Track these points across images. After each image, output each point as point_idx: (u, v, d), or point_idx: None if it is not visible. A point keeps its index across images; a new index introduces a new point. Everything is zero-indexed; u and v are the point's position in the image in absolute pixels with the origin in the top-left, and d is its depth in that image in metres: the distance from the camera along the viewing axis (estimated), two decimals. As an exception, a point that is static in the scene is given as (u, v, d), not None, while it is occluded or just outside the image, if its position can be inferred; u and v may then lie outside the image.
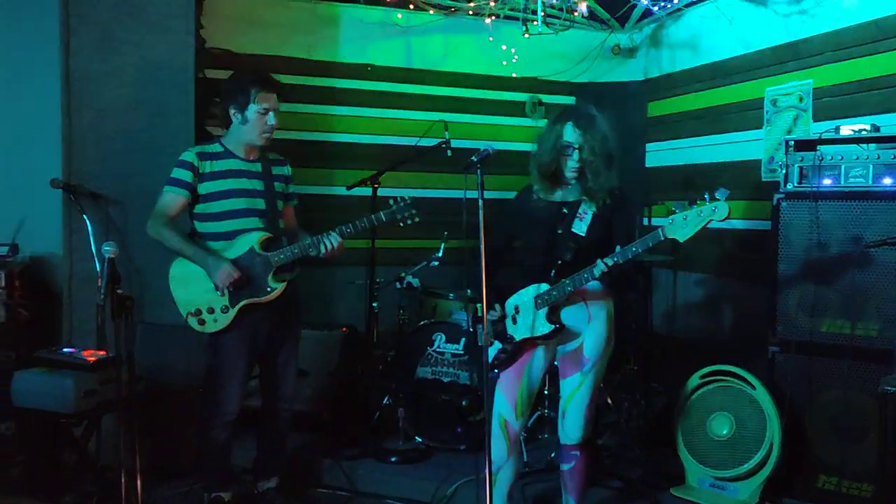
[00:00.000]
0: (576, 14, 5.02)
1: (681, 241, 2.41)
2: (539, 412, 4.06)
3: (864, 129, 3.24)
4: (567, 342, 2.78)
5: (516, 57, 5.52)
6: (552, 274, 2.68)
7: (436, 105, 5.33)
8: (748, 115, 4.59)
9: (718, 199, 2.33)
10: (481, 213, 2.47)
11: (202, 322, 2.96)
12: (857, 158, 3.19)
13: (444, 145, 4.40)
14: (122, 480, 2.61)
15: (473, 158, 2.54)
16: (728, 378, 3.37)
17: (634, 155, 5.48)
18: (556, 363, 2.92)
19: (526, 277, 2.78)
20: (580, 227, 2.72)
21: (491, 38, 5.42)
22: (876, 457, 2.80)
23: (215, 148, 3.09)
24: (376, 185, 4.10)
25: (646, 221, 5.01)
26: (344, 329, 4.23)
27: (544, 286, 2.69)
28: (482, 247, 2.45)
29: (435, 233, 4.39)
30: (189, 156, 3.02)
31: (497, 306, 2.81)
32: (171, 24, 3.65)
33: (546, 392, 4.02)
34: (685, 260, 4.88)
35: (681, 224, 2.39)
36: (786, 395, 3.24)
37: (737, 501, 3.25)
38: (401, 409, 3.85)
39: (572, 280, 2.61)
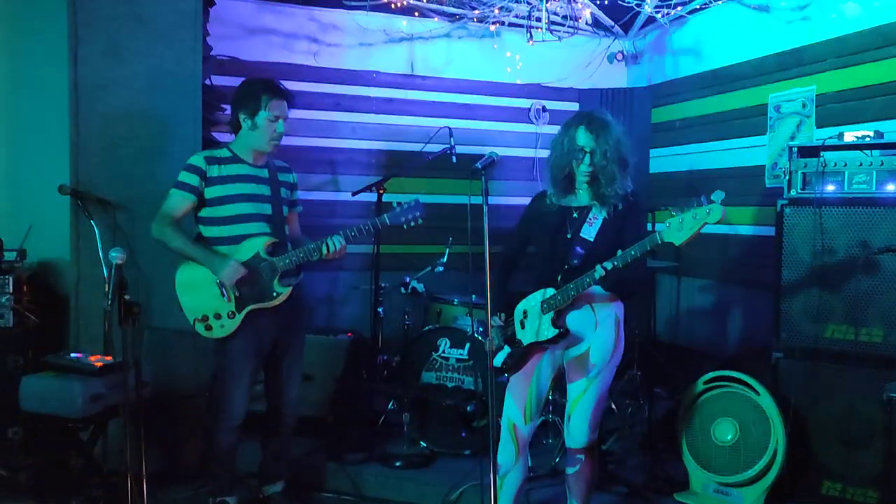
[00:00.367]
0: (580, 21, 5.04)
1: (677, 244, 2.41)
2: (543, 417, 4.08)
3: (868, 136, 3.25)
4: (575, 347, 2.78)
5: (520, 64, 5.55)
6: (559, 279, 2.69)
7: (440, 112, 5.36)
8: (752, 122, 4.61)
9: (713, 202, 2.33)
10: (486, 218, 2.48)
11: (209, 328, 2.98)
12: (861, 165, 3.20)
13: (448, 151, 4.43)
14: (129, 485, 2.62)
15: (478, 165, 2.56)
16: (732, 384, 3.37)
17: (638, 161, 5.49)
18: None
19: (536, 282, 2.79)
20: (589, 232, 2.72)
21: (495, 46, 5.46)
22: (880, 463, 2.81)
23: (223, 153, 3.11)
24: (381, 191, 4.13)
25: (650, 227, 5.02)
26: (349, 334, 4.24)
27: (550, 291, 2.70)
28: (486, 253, 2.46)
29: (440, 238, 4.41)
30: (197, 160, 3.04)
31: (501, 315, 2.82)
32: (178, 33, 3.68)
33: (550, 397, 4.03)
34: (689, 266, 4.89)
35: (676, 227, 2.40)
36: (790, 400, 3.24)
37: (741, 507, 3.26)
38: (405, 413, 3.86)
39: (575, 284, 2.62)
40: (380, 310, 4.30)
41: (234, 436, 3.11)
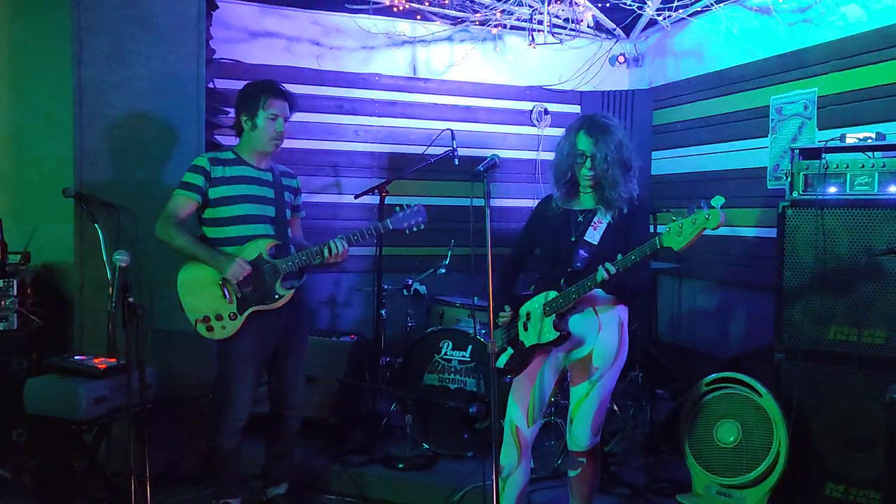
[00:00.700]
0: (581, 24, 5.05)
1: (676, 249, 2.41)
2: (545, 419, 4.08)
3: (870, 137, 3.25)
4: (578, 350, 2.79)
5: (522, 67, 5.56)
6: (561, 282, 2.69)
7: (442, 114, 5.37)
8: (753, 124, 4.61)
9: (713, 207, 2.34)
10: (488, 221, 2.49)
11: (210, 329, 2.99)
12: (863, 166, 3.20)
13: (450, 154, 4.44)
14: (132, 487, 2.64)
15: (480, 167, 2.57)
16: (734, 385, 3.37)
17: (640, 163, 5.49)
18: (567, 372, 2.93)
19: (540, 284, 2.80)
20: (593, 236, 2.72)
21: (497, 49, 5.47)
22: (883, 464, 2.81)
23: (227, 155, 3.14)
24: (384, 194, 4.14)
25: (652, 229, 5.03)
26: (352, 336, 4.25)
27: (552, 294, 2.70)
28: (489, 255, 2.47)
29: (442, 241, 4.42)
30: (202, 161, 3.07)
31: (507, 307, 2.83)
32: (181, 36, 3.70)
33: (552, 399, 4.04)
34: (690, 267, 4.89)
35: (676, 232, 2.40)
36: (792, 402, 3.24)
37: (744, 509, 3.26)
38: (408, 415, 3.87)
39: (577, 288, 2.62)
40: (382, 312, 4.31)
41: (238, 438, 3.11)
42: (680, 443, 3.45)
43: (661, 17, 4.90)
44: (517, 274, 2.99)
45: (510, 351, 2.82)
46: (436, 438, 3.86)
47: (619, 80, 5.74)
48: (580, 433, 2.79)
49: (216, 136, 4.36)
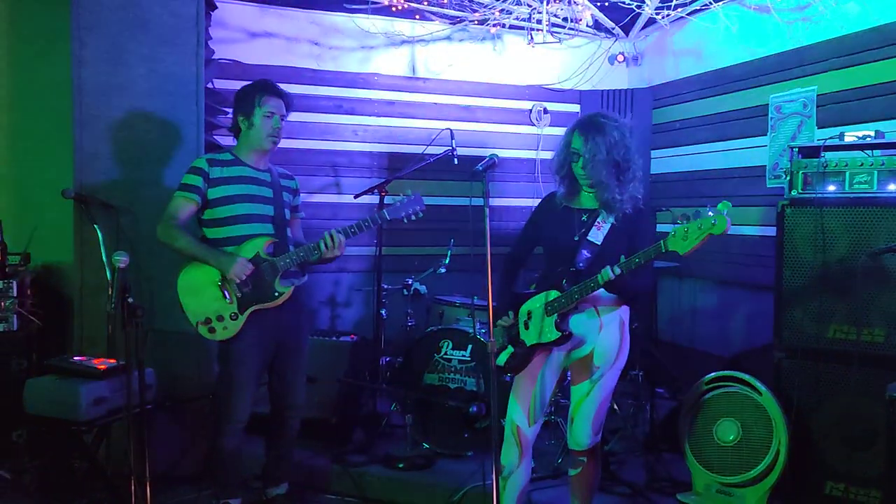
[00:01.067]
0: (580, 23, 5.05)
1: (681, 253, 2.41)
2: (546, 418, 4.08)
3: (869, 136, 3.25)
4: (579, 349, 2.79)
5: (521, 66, 5.56)
6: (563, 281, 2.69)
7: (441, 114, 5.37)
8: (752, 122, 4.61)
9: (720, 213, 2.34)
10: (487, 220, 2.49)
11: (212, 330, 2.99)
12: (862, 165, 3.20)
13: (450, 154, 4.44)
14: (132, 487, 2.64)
15: (479, 167, 2.57)
16: (734, 384, 3.37)
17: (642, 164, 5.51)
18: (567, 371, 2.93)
19: (542, 283, 2.80)
20: (597, 236, 2.70)
21: (496, 48, 5.47)
22: (883, 463, 2.81)
23: (226, 156, 3.15)
24: (384, 193, 4.14)
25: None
26: (352, 336, 4.25)
27: (554, 293, 2.70)
28: (488, 254, 2.47)
29: (442, 240, 4.43)
30: (200, 162, 3.09)
31: (510, 313, 2.83)
32: (180, 36, 3.70)
33: (553, 398, 4.04)
34: (690, 266, 4.89)
35: (681, 236, 2.40)
36: (792, 401, 3.24)
37: (744, 507, 3.26)
38: (408, 415, 3.87)
39: (580, 288, 2.62)
40: (382, 311, 4.31)
41: (239, 438, 3.11)
42: (680, 441, 3.46)
43: (659, 16, 4.90)
44: (518, 271, 2.99)
45: (510, 349, 2.82)
46: (436, 438, 3.86)
47: (619, 79, 5.74)
48: (581, 432, 2.79)
49: (215, 137, 4.36)
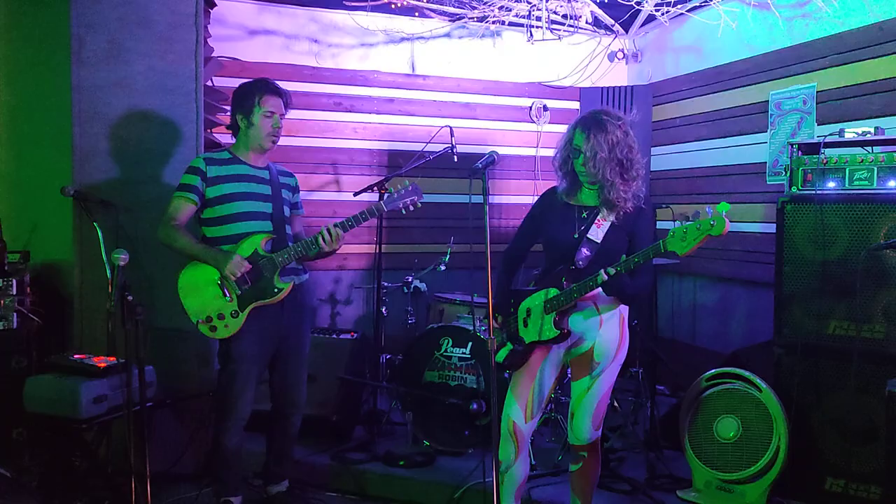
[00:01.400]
0: (580, 20, 5.05)
1: (680, 254, 2.41)
2: (546, 415, 4.08)
3: (869, 132, 3.25)
4: (579, 346, 2.79)
5: (521, 63, 5.56)
6: (563, 280, 2.69)
7: (441, 111, 5.37)
8: (752, 119, 4.61)
9: (719, 214, 2.33)
10: (486, 217, 2.49)
11: (213, 329, 2.99)
12: (862, 161, 3.20)
13: (449, 151, 4.44)
14: (133, 485, 2.64)
15: (478, 164, 2.56)
16: (734, 380, 3.38)
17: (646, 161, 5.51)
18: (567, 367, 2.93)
19: (542, 281, 2.79)
20: (597, 234, 2.69)
21: (496, 45, 5.47)
22: (883, 458, 2.81)
23: (223, 155, 3.15)
24: (383, 191, 4.13)
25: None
26: (352, 334, 4.26)
27: (553, 291, 2.70)
28: (487, 251, 2.47)
29: (442, 238, 4.43)
30: (198, 162, 3.09)
31: (499, 317, 2.83)
32: (179, 34, 3.69)
33: (552, 395, 4.04)
34: (690, 263, 4.90)
35: (680, 237, 2.40)
36: (792, 397, 3.25)
37: (744, 504, 3.26)
38: (408, 413, 3.87)
39: (579, 287, 2.62)
40: (383, 309, 4.31)
41: (240, 436, 3.12)
42: (680, 438, 3.46)
43: (659, 13, 4.89)
44: (516, 268, 2.98)
45: (509, 346, 2.82)
46: (436, 435, 3.86)
47: (618, 75, 5.74)
48: (581, 427, 2.80)
49: (214, 134, 4.36)
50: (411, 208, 3.14)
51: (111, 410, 3.20)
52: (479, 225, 2.52)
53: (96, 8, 3.59)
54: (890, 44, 3.71)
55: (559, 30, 5.18)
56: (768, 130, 4.47)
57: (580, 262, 2.69)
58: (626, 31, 5.56)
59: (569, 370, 2.93)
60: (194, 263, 3.02)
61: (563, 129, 2.83)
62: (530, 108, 5.64)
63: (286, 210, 3.21)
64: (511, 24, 5.23)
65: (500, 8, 4.98)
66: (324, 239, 3.02)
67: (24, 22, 3.95)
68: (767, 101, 4.47)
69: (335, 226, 3.04)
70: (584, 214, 2.76)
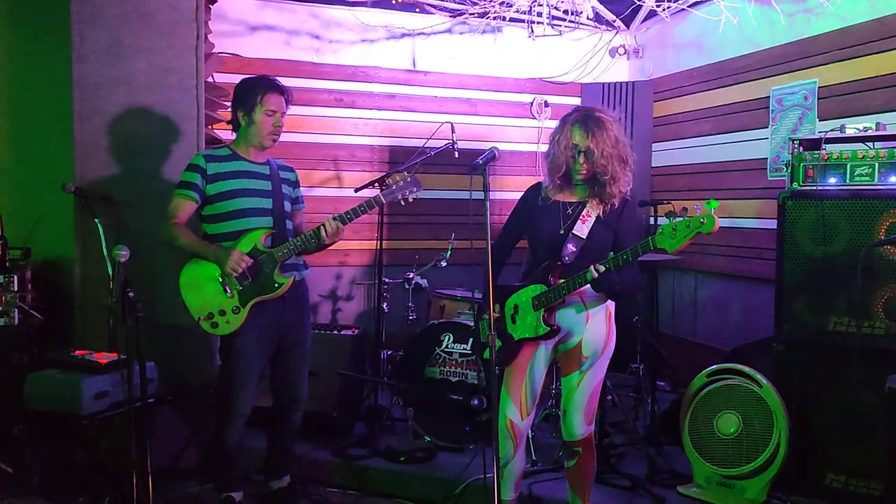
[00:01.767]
0: (581, 16, 5.04)
1: (669, 251, 2.41)
2: (546, 410, 4.09)
3: (870, 128, 3.25)
4: (567, 341, 2.80)
5: (522, 59, 5.55)
6: (550, 276, 2.70)
7: (442, 107, 5.37)
8: (753, 115, 4.61)
9: (709, 212, 2.34)
10: (487, 213, 2.49)
11: (215, 325, 2.99)
12: (863, 157, 3.20)
13: (450, 147, 4.44)
14: (134, 481, 2.64)
15: (479, 160, 2.56)
16: (734, 376, 3.38)
17: (640, 155, 5.50)
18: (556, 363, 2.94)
19: (528, 276, 2.80)
20: (582, 230, 2.72)
21: (496, 41, 5.46)
22: (884, 454, 2.82)
23: (223, 151, 3.15)
24: (384, 187, 4.13)
25: (652, 221, 5.03)
26: (353, 330, 4.26)
27: (541, 287, 2.71)
28: (488, 248, 2.47)
29: (442, 234, 4.42)
30: (198, 159, 3.09)
31: (496, 306, 2.83)
32: (179, 30, 3.69)
33: (553, 391, 4.05)
34: (691, 259, 4.90)
35: (669, 234, 2.40)
36: (793, 393, 3.25)
37: (744, 500, 3.26)
38: (409, 408, 3.87)
39: (567, 284, 2.63)
40: (384, 305, 4.31)
41: (241, 431, 3.12)
42: (680, 434, 3.46)
43: (660, 9, 4.88)
44: (501, 265, 2.97)
45: (499, 343, 2.82)
46: (437, 431, 3.86)
47: (620, 71, 5.73)
48: (573, 422, 2.81)
49: (215, 130, 4.35)
50: (410, 199, 3.14)
51: (112, 407, 3.20)
52: (480, 221, 2.52)
53: (96, 4, 3.58)
54: (891, 39, 3.71)
55: (560, 25, 5.17)
56: (769, 126, 4.47)
57: (566, 258, 2.70)
58: (628, 27, 5.55)
59: (558, 366, 2.93)
60: (195, 260, 3.02)
61: (563, 125, 2.83)
62: (531, 103, 5.63)
63: (287, 205, 3.21)
64: (512, 19, 5.22)
65: (501, 3, 4.97)
66: (326, 232, 3.02)
67: (25, 18, 3.95)
68: (769, 96, 4.46)
69: (334, 219, 3.04)
70: (570, 210, 2.78)
